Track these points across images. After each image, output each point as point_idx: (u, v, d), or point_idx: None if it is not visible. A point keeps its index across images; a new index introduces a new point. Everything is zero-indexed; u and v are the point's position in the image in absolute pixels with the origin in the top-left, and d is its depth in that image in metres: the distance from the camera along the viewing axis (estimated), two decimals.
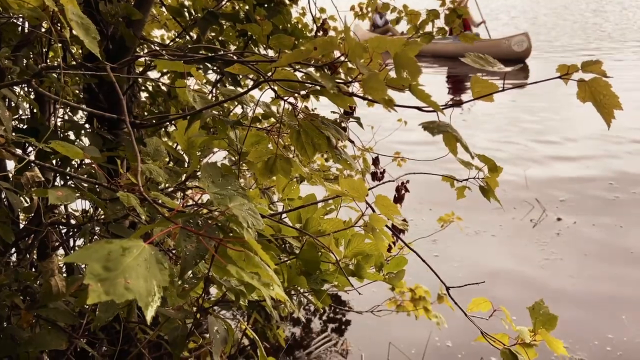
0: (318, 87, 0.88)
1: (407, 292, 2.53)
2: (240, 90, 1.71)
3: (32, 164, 1.35)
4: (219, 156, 2.28)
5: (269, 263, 0.66)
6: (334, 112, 2.60)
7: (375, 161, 3.50)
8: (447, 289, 1.23)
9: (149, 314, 0.48)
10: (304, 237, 1.39)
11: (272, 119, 1.37)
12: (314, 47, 0.72)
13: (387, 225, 3.22)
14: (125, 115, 0.93)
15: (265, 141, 1.06)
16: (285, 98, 0.90)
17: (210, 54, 1.38)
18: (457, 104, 0.81)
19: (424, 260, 1.21)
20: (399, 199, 3.21)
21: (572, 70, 0.78)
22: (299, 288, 1.52)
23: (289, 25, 2.20)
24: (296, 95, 0.88)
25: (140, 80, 2.57)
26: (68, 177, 1.60)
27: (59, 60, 2.54)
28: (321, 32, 3.81)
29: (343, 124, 3.24)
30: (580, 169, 6.24)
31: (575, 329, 3.31)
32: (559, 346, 1.18)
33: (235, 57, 1.32)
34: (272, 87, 0.90)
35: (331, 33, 4.06)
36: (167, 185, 1.29)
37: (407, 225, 1.16)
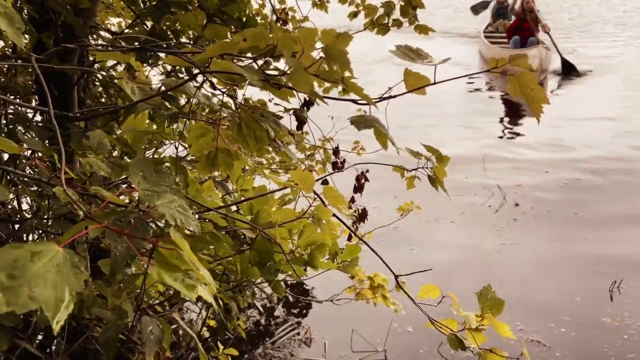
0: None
1: (366, 280, 2.55)
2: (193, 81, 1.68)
3: None
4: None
5: (194, 261, 0.65)
6: (276, 104, 2.59)
7: (336, 151, 3.51)
8: (396, 277, 1.25)
9: (57, 324, 0.47)
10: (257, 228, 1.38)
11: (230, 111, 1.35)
12: (244, 38, 0.70)
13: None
14: (50, 108, 0.90)
15: (210, 134, 1.04)
16: (224, 90, 0.89)
17: (147, 45, 1.35)
18: (389, 97, 0.81)
19: (373, 251, 1.22)
20: (358, 188, 3.23)
21: (502, 63, 0.79)
22: (252, 279, 1.51)
23: (243, 14, 2.16)
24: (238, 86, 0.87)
25: (99, 71, 2.50)
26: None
27: (9, 50, 2.45)
28: (280, 23, 3.78)
29: (303, 115, 3.24)
30: (538, 156, 6.40)
31: (531, 312, 3.40)
32: (505, 330, 1.20)
33: (186, 48, 1.29)
34: (210, 79, 0.88)
35: (313, 25, 4.04)
36: (112, 179, 1.26)
37: (354, 216, 1.16)
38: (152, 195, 0.66)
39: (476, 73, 0.85)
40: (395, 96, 0.81)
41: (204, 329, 2.90)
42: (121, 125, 1.34)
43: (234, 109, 0.90)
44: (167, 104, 1.36)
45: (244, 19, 2.14)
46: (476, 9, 13.56)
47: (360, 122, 0.80)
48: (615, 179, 5.54)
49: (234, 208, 1.81)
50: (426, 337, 3.19)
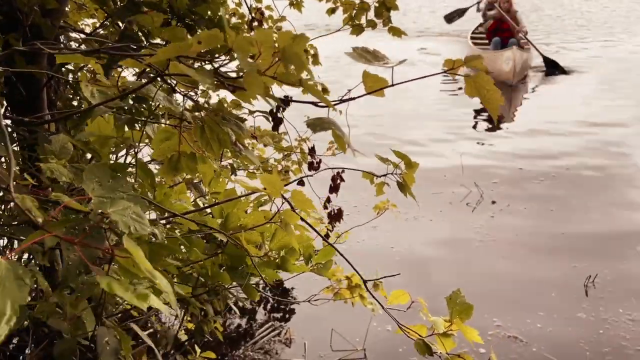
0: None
1: (343, 280, 2.54)
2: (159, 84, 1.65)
3: None
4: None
5: (150, 270, 0.63)
6: (236, 105, 2.56)
7: (312, 151, 3.50)
8: (365, 282, 1.24)
9: None
10: (228, 232, 1.37)
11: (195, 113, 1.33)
12: (198, 40, 0.69)
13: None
14: None
15: (175, 137, 1.02)
16: (184, 92, 0.87)
17: (102, 48, 1.32)
18: (349, 99, 0.81)
19: (342, 255, 1.22)
20: (334, 188, 3.23)
21: (457, 65, 0.79)
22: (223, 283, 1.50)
23: (215, 15, 2.13)
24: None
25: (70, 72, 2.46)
26: None
27: None
28: (256, 23, 3.76)
29: (279, 115, 3.23)
30: (515, 154, 6.49)
31: (508, 308, 3.44)
32: (474, 334, 1.20)
33: (145, 50, 1.27)
34: (169, 82, 0.87)
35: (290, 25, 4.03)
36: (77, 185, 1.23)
37: (323, 221, 1.15)
38: (105, 203, 0.64)
39: (431, 75, 0.84)
40: (354, 98, 0.80)
41: (182, 331, 2.87)
42: (88, 129, 1.32)
43: (197, 112, 0.89)
44: (144, 106, 1.33)
45: (216, 20, 2.11)
46: (450, 18, 13.17)
47: (316, 125, 0.80)
48: (589, 177, 5.64)
49: (209, 210, 1.80)
50: (405, 336, 3.20)
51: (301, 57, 0.69)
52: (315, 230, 1.28)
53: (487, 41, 11.29)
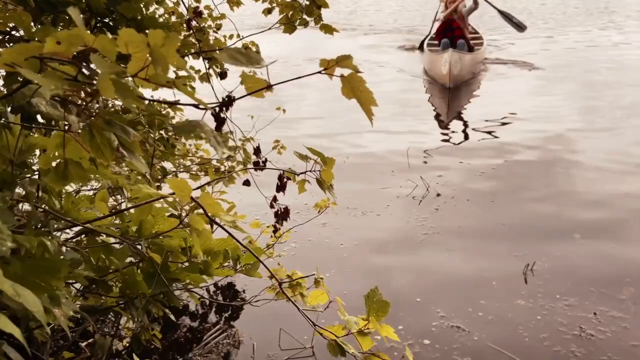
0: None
1: (285, 279, 2.52)
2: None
3: None
4: None
5: (6, 288, 0.59)
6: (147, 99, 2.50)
7: (257, 151, 3.47)
8: (280, 284, 1.23)
9: None
10: (143, 239, 1.33)
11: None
12: (57, 40, 0.65)
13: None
14: None
15: (71, 143, 0.98)
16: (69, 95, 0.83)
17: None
18: (229, 102, 0.78)
19: (257, 258, 1.19)
20: (281, 187, 3.20)
21: (332, 64, 0.77)
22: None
23: (140, 15, 2.07)
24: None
25: None
26: None
27: None
28: (194, 22, 3.68)
29: (222, 115, 3.17)
30: (457, 147, 6.65)
31: (451, 298, 3.50)
32: (389, 332, 1.21)
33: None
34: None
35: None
36: None
37: (236, 223, 1.13)
38: None
39: (312, 74, 0.83)
40: (237, 98, 0.78)
41: (123, 341, 2.79)
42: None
43: (87, 116, 0.85)
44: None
45: (140, 19, 2.05)
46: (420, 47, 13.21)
47: (183, 129, 0.77)
48: (528, 169, 5.82)
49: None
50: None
51: (166, 58, 0.67)
52: (233, 237, 1.26)
53: (437, 42, 11.35)
